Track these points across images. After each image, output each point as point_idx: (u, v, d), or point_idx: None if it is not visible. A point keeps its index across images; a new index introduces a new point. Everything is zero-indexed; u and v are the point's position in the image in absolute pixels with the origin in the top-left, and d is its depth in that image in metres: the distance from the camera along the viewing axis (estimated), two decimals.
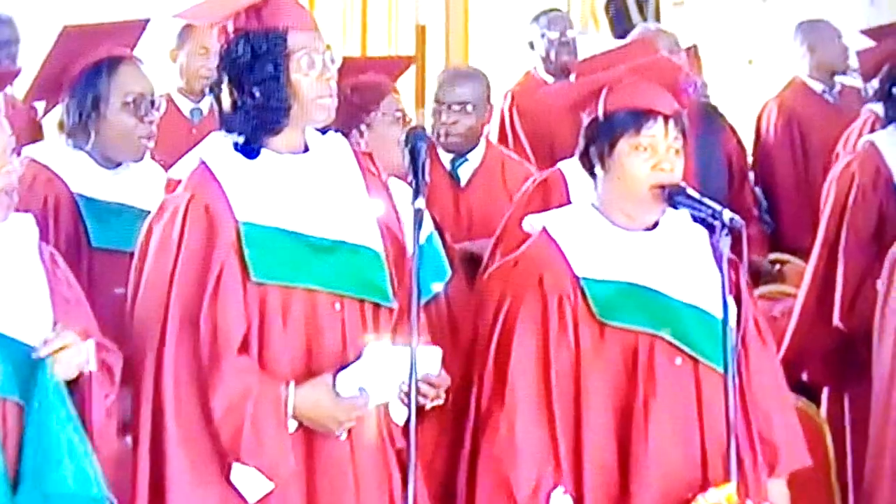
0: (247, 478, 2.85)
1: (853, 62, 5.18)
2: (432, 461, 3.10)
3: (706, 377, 3.04)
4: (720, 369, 3.00)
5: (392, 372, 2.84)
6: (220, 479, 2.86)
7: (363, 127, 3.76)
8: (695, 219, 3.07)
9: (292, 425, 2.87)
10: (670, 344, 3.03)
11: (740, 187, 5.30)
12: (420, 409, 2.84)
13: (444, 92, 4.59)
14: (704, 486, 3.01)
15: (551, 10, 5.97)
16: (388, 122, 3.76)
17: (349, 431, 2.91)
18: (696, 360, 3.05)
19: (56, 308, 2.82)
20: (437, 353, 2.90)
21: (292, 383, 2.86)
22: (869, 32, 4.62)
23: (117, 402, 2.86)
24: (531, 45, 5.76)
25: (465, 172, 4.59)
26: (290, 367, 2.89)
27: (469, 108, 4.54)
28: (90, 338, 2.80)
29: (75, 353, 2.75)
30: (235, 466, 2.85)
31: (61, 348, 2.73)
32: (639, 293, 3.04)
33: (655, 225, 3.10)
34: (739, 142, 5.44)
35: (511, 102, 5.58)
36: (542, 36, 5.72)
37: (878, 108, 4.40)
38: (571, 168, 3.92)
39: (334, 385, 2.85)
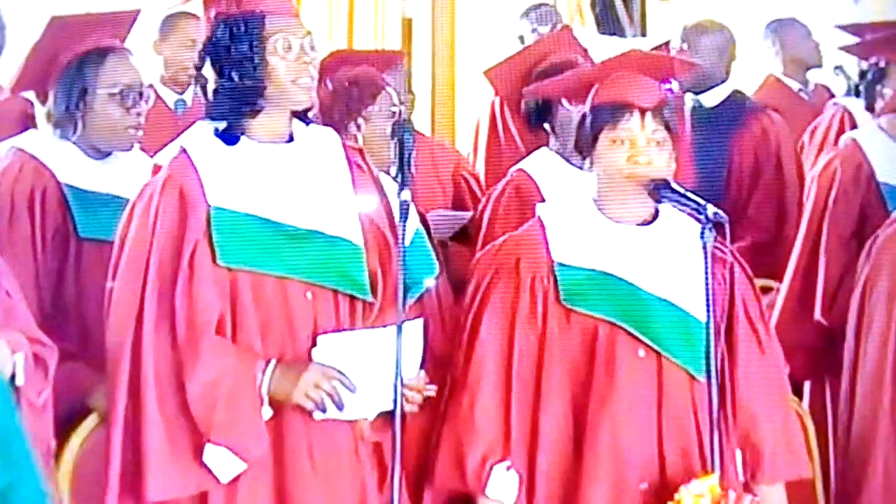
0: (219, 458, 2.87)
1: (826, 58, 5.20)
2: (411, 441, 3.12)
3: (669, 371, 3.06)
4: (685, 366, 3.03)
5: (371, 358, 2.86)
6: (198, 459, 2.88)
7: (360, 120, 3.78)
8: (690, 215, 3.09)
9: (267, 412, 2.88)
10: (633, 335, 3.05)
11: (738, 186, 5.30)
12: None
13: None
14: (660, 478, 3.03)
15: (541, 5, 5.98)
16: (384, 117, 3.78)
17: (313, 425, 2.92)
18: (659, 354, 3.07)
19: None
20: (419, 325, 2.93)
21: (273, 361, 2.89)
22: (848, 28, 4.65)
23: (51, 397, 2.87)
24: (521, 40, 5.77)
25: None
26: (262, 353, 2.91)
27: None
28: (20, 342, 2.79)
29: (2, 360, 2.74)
30: (208, 447, 2.87)
31: None
32: (607, 282, 3.07)
33: (652, 221, 3.12)
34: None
35: (499, 94, 5.59)
36: (533, 31, 5.73)
37: (850, 102, 4.43)
38: (534, 164, 3.95)
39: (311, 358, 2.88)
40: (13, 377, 2.80)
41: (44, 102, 3.56)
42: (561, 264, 3.08)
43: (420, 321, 2.97)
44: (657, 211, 3.13)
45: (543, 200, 3.75)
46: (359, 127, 3.78)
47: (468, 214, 4.36)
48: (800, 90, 5.66)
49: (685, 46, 5.01)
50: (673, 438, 3.06)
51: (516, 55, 4.74)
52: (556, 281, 3.07)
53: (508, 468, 3.03)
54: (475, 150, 5.37)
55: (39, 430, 2.84)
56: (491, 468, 3.02)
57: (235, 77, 2.95)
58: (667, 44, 4.97)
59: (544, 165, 3.81)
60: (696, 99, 5.06)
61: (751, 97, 5.25)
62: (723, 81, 4.98)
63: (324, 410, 2.90)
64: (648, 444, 3.06)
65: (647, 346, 3.06)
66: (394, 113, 3.81)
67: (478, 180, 4.99)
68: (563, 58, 4.15)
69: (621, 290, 3.07)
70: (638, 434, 3.05)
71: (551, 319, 3.06)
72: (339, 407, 2.89)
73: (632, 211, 3.11)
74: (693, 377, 3.05)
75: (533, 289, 3.07)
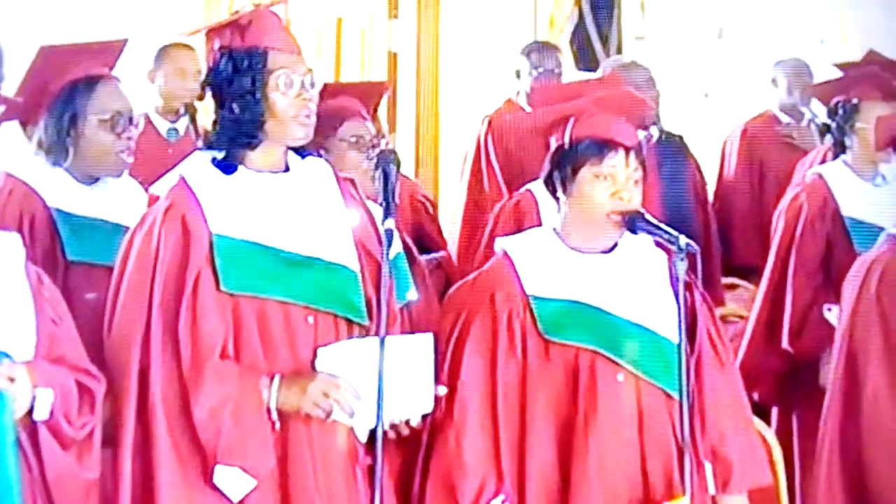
0: (230, 478, 2.93)
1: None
2: (392, 475, 3.17)
3: (647, 394, 3.15)
4: (663, 387, 3.13)
5: (372, 369, 2.91)
6: (208, 481, 2.93)
7: (322, 151, 3.86)
8: (657, 244, 3.20)
9: (275, 426, 2.94)
10: (612, 361, 3.14)
11: (703, 213, 5.44)
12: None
13: None
14: (646, 499, 3.12)
15: (543, 45, 6.07)
16: (344, 147, 3.84)
17: (315, 439, 2.99)
18: (637, 377, 3.16)
19: (40, 328, 2.85)
20: (429, 339, 3.00)
21: (277, 376, 2.94)
22: (841, 67, 4.77)
23: (98, 432, 2.89)
24: (517, 75, 5.84)
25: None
26: (265, 375, 2.96)
27: None
28: (52, 375, 2.80)
29: (18, 390, 2.75)
30: (218, 468, 2.92)
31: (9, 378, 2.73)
32: (582, 311, 3.16)
33: (612, 248, 3.22)
34: (700, 172, 5.59)
35: (488, 128, 5.68)
36: (536, 69, 5.78)
37: (828, 139, 4.54)
38: (541, 189, 4.05)
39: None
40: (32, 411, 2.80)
41: (28, 131, 3.60)
42: (535, 297, 3.15)
43: (430, 335, 3.03)
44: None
45: (540, 221, 3.84)
46: (320, 156, 3.86)
47: (442, 254, 4.46)
48: (788, 124, 5.77)
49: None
50: (655, 458, 3.15)
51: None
52: (532, 314, 3.14)
53: (503, 502, 3.10)
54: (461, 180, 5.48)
55: (80, 463, 2.84)
56: None
57: (236, 109, 3.01)
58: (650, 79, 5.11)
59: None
60: (661, 129, 5.22)
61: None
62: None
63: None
64: (633, 466, 3.14)
65: (626, 370, 3.15)
66: (353, 143, 3.84)
67: (433, 204, 5.09)
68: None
69: (596, 319, 3.16)
70: (623, 457, 3.13)
71: (531, 352, 3.13)
72: (350, 415, 2.94)
73: (596, 241, 3.20)
74: (670, 396, 3.15)
75: (510, 323, 3.14)
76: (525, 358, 3.13)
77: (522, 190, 4.26)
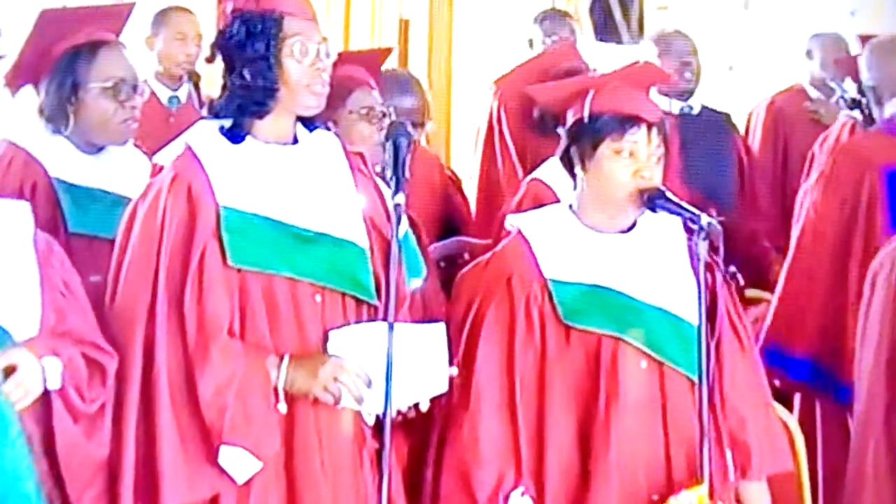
0: (235, 458, 2.85)
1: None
2: (399, 459, 3.11)
3: (671, 380, 3.06)
4: (685, 372, 3.04)
5: (382, 352, 2.83)
6: (212, 462, 2.86)
7: (330, 124, 3.75)
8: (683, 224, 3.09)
9: (283, 407, 2.87)
10: (635, 347, 3.05)
11: (751, 187, 5.34)
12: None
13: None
14: (668, 488, 3.03)
15: (556, 12, 5.97)
16: (353, 119, 3.74)
17: (321, 422, 2.91)
18: (661, 364, 3.07)
19: (45, 302, 2.77)
20: (441, 328, 2.91)
21: (287, 357, 2.86)
22: (865, 39, 4.67)
23: (109, 407, 2.83)
24: (530, 44, 5.73)
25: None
26: (273, 354, 2.89)
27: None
28: (57, 346, 2.73)
29: (26, 375, 2.69)
30: (223, 448, 2.85)
31: (6, 369, 2.66)
32: (604, 296, 3.06)
33: (631, 227, 3.12)
34: (749, 152, 5.47)
35: (500, 101, 5.58)
36: (550, 36, 5.66)
37: (857, 114, 4.43)
38: (549, 173, 3.94)
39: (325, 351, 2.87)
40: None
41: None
42: (555, 281, 3.05)
43: (443, 325, 2.94)
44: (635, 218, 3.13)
45: None
46: (329, 129, 3.76)
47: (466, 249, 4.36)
48: (818, 100, 5.66)
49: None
50: (679, 446, 3.07)
51: (523, 65, 4.75)
52: (551, 298, 3.04)
53: (523, 494, 3.02)
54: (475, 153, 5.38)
55: (89, 440, 2.78)
56: (506, 498, 3.01)
57: (247, 76, 2.91)
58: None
59: (557, 173, 3.80)
60: (688, 105, 5.12)
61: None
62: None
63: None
64: (656, 455, 3.06)
65: (649, 356, 3.06)
66: (363, 115, 3.74)
67: (460, 180, 4.99)
68: (574, 66, 4.15)
69: (618, 303, 3.06)
70: (646, 446, 3.05)
71: (549, 338, 3.04)
72: (359, 401, 2.87)
73: (615, 220, 3.10)
74: (693, 382, 3.05)
75: (528, 308, 3.05)
76: (544, 344, 3.04)
77: (528, 180, 4.13)
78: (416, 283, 3.76)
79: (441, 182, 4.79)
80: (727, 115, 5.35)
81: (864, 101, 4.27)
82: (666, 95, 5.01)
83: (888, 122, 4.11)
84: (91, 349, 2.81)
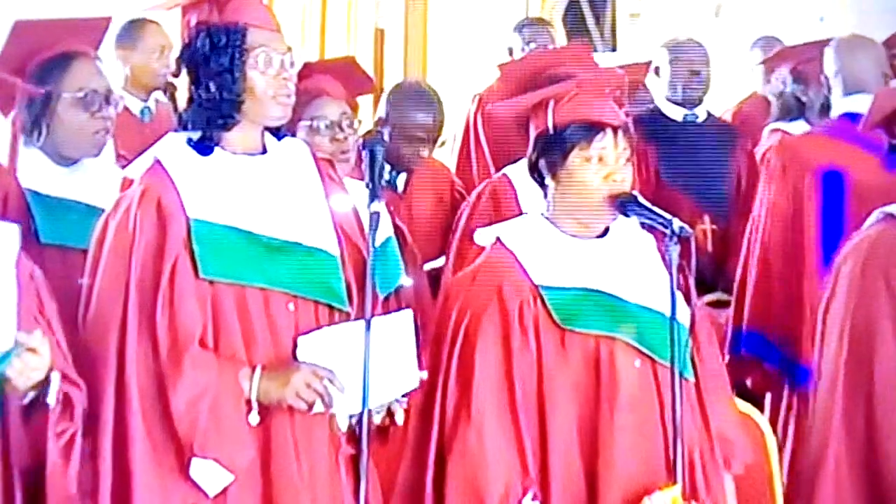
0: (206, 471, 2.86)
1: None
2: (394, 472, 3.12)
3: (664, 379, 3.09)
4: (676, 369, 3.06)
5: (354, 352, 2.85)
6: (185, 474, 2.87)
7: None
8: (642, 225, 3.13)
9: (254, 419, 2.88)
10: (629, 346, 3.08)
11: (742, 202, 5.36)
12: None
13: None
14: (669, 486, 3.04)
15: (535, 21, 5.98)
16: (307, 130, 3.76)
17: (298, 430, 2.92)
18: (653, 362, 3.10)
19: (21, 327, 2.72)
20: (408, 316, 2.92)
21: (258, 367, 2.87)
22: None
23: (76, 444, 2.80)
24: (510, 52, 5.74)
25: (400, 181, 4.59)
26: (246, 365, 2.90)
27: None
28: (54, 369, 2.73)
29: (37, 363, 2.69)
30: (194, 461, 2.85)
31: (29, 348, 2.66)
32: (596, 298, 3.09)
33: (605, 232, 3.15)
34: (754, 164, 5.48)
35: (478, 107, 5.60)
36: (529, 44, 5.68)
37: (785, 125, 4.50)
38: (518, 173, 3.97)
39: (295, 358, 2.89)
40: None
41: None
42: (546, 287, 3.08)
43: (409, 311, 2.96)
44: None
45: (519, 207, 3.75)
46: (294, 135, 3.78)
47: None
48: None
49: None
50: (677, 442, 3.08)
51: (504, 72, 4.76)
52: (544, 304, 3.07)
53: (533, 499, 3.03)
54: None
55: (59, 475, 2.76)
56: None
57: (213, 88, 2.93)
58: (648, 63, 5.03)
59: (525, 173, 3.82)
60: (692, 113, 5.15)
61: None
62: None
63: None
64: (657, 452, 3.08)
65: (641, 355, 3.09)
66: (316, 128, 3.75)
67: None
68: (559, 73, 4.17)
69: (609, 304, 3.10)
70: (648, 444, 3.08)
71: (545, 343, 3.06)
72: (330, 406, 2.88)
73: (590, 226, 3.13)
74: (686, 380, 3.10)
75: (522, 316, 3.06)
76: (539, 350, 3.06)
77: (498, 175, 4.16)
78: (404, 280, 3.79)
79: (450, 194, 4.77)
80: (735, 127, 5.36)
81: (805, 99, 4.35)
82: (675, 103, 5.06)
83: (831, 124, 4.18)
84: (65, 383, 2.79)
